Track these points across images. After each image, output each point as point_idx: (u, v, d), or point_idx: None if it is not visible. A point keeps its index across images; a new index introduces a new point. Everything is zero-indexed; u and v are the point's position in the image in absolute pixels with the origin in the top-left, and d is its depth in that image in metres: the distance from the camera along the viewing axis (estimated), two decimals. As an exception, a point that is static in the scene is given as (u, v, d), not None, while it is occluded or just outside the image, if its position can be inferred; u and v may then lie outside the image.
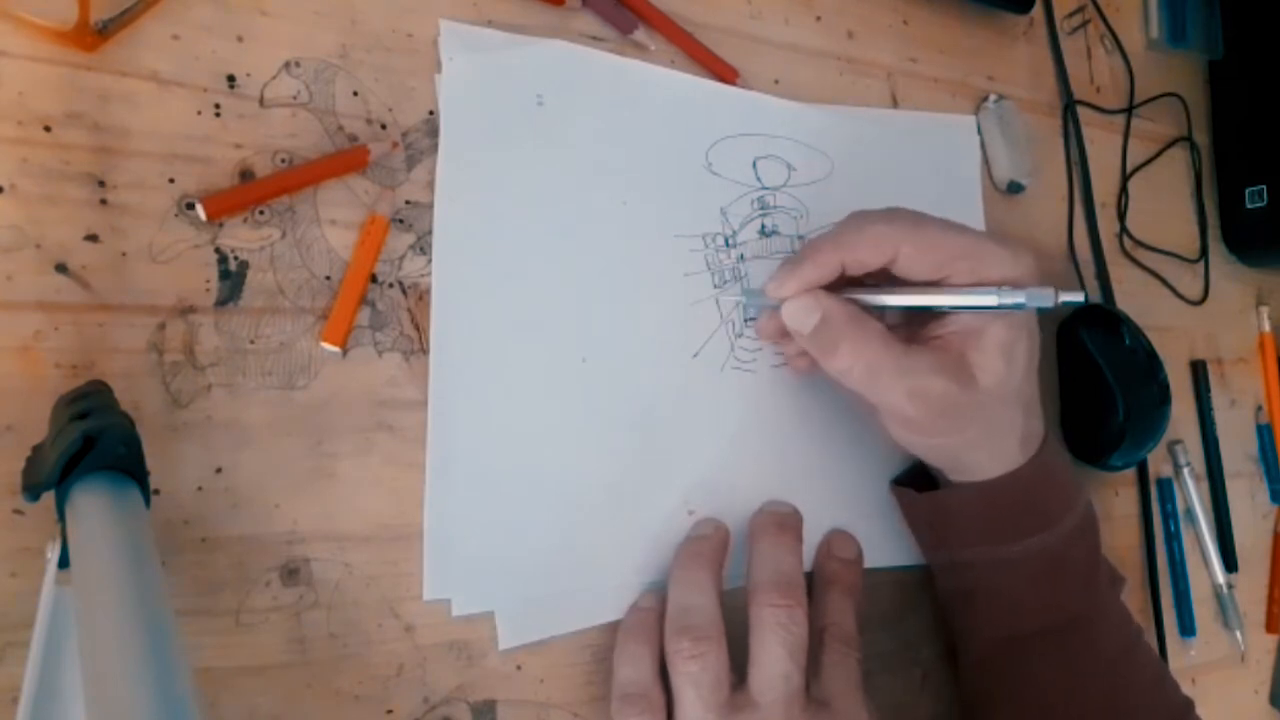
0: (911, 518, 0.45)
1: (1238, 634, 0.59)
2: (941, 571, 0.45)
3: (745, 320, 0.43)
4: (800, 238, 0.45)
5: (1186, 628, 0.57)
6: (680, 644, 0.35)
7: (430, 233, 0.37)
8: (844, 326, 0.38)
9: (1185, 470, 0.59)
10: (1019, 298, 0.36)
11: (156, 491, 0.31)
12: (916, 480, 0.45)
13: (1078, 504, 0.43)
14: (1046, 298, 0.36)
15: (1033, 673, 0.42)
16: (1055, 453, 0.42)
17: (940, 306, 0.38)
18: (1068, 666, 0.42)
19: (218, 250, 0.34)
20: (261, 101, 0.35)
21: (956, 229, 0.39)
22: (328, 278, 0.35)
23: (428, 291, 0.37)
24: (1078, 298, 0.37)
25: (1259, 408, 0.65)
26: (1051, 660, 0.42)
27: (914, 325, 0.41)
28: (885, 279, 0.40)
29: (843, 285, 0.39)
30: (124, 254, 0.32)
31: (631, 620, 0.38)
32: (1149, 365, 0.51)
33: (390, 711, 0.35)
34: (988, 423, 0.39)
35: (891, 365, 0.37)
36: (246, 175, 0.34)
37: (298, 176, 0.35)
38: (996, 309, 0.37)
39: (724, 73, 0.44)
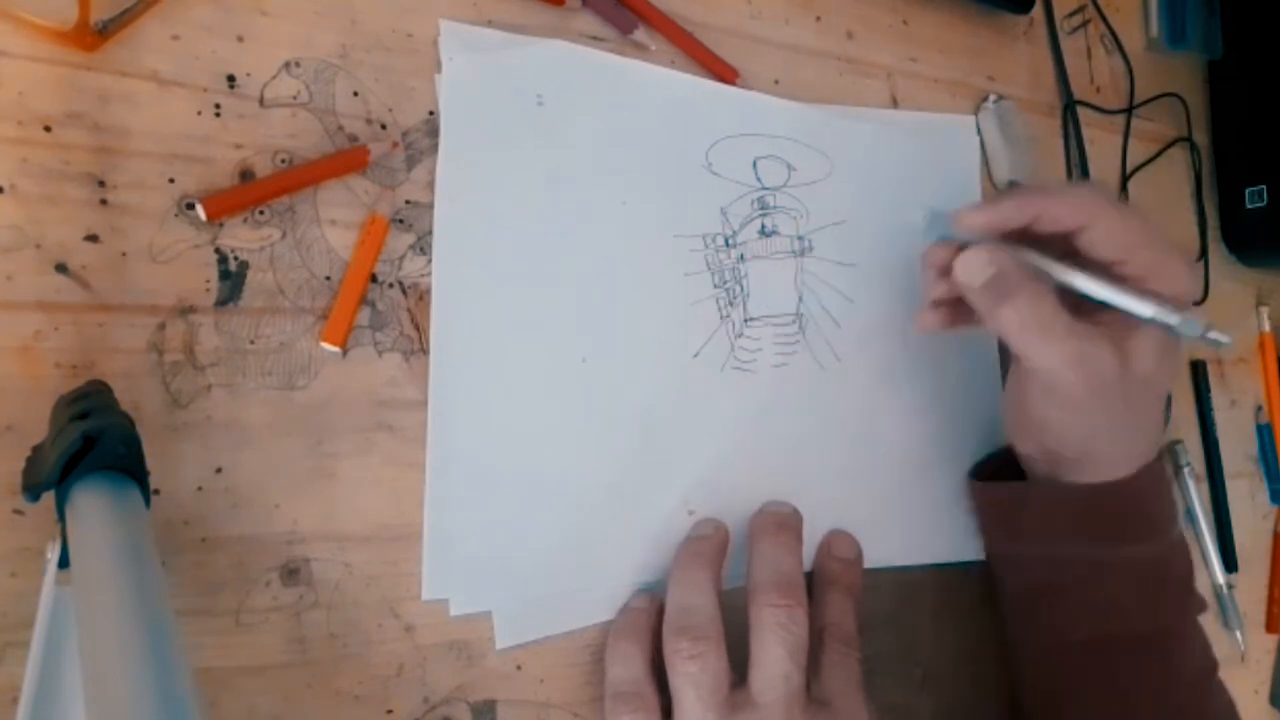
0: (992, 512, 0.44)
1: (1238, 634, 0.59)
2: (1014, 568, 0.44)
3: (927, 240, 0.42)
4: (800, 238, 0.45)
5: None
6: (679, 644, 0.35)
7: (430, 233, 0.37)
8: (1021, 281, 0.38)
9: (1185, 470, 0.59)
10: (1172, 319, 0.37)
11: (156, 491, 0.31)
12: (988, 475, 0.45)
13: (1179, 518, 0.43)
14: (1194, 328, 0.37)
15: (1117, 676, 0.42)
16: (1166, 463, 0.43)
17: (1099, 296, 0.38)
18: (1154, 677, 0.42)
19: (218, 250, 0.34)
20: (261, 101, 0.35)
21: (1148, 222, 0.39)
22: (328, 278, 0.35)
23: (428, 291, 0.37)
24: (1224, 339, 0.38)
25: (1259, 408, 0.65)
26: (1138, 667, 0.42)
27: (1075, 303, 0.40)
28: (1062, 250, 0.40)
29: (1024, 240, 0.39)
30: (124, 254, 0.32)
31: (622, 620, 0.38)
32: (1149, 365, 0.51)
33: (390, 711, 0.35)
34: (1133, 412, 0.39)
35: (1064, 325, 0.37)
36: (246, 175, 0.34)
37: (298, 176, 0.35)
38: (1148, 320, 0.38)
39: (724, 73, 0.44)
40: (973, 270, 0.38)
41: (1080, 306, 0.40)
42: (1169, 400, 0.51)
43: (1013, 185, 0.52)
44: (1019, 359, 0.40)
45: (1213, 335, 0.37)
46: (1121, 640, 0.42)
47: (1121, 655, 0.42)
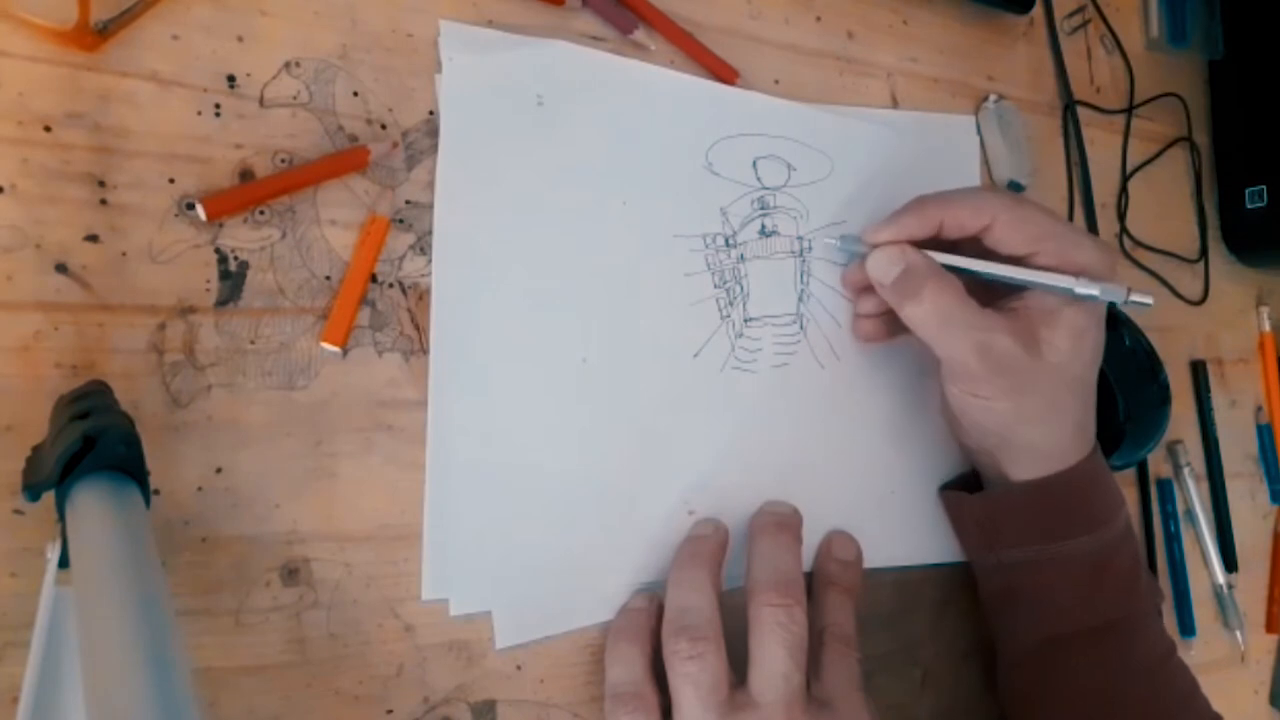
0: (959, 520, 0.45)
1: (1238, 634, 0.59)
2: (985, 573, 0.45)
3: (842, 264, 0.45)
4: (800, 238, 0.45)
5: (1186, 628, 0.57)
6: (678, 644, 0.35)
7: (430, 233, 0.37)
8: (926, 275, 0.40)
9: (1185, 470, 0.59)
10: (1093, 289, 0.39)
11: (156, 491, 0.31)
12: (963, 488, 0.45)
13: (1122, 509, 0.44)
14: (1118, 293, 0.39)
15: (1072, 674, 0.43)
16: (1101, 457, 0.43)
17: (1020, 280, 0.41)
18: (1106, 670, 0.43)
19: (218, 250, 0.34)
20: (261, 101, 0.35)
21: (1050, 213, 0.41)
22: (328, 278, 0.35)
23: (428, 291, 0.37)
24: (1146, 300, 0.40)
25: (1259, 408, 0.65)
26: (1090, 663, 0.43)
27: (992, 296, 0.42)
28: (975, 252, 0.41)
29: (935, 247, 0.41)
30: (124, 254, 0.32)
31: (621, 621, 0.38)
32: (1149, 365, 0.51)
33: (390, 711, 0.35)
34: (1045, 397, 0.40)
35: (965, 316, 0.39)
36: (246, 175, 0.34)
37: (298, 177, 0.35)
38: (1072, 294, 0.40)
39: (724, 73, 0.44)
40: (882, 267, 0.41)
41: (995, 299, 0.42)
42: (1166, 399, 0.51)
43: (1012, 187, 0.52)
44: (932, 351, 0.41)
45: (1135, 298, 0.40)
46: (1072, 640, 0.43)
47: (1073, 654, 0.43)
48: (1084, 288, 0.39)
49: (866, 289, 0.43)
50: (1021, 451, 0.42)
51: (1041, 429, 0.41)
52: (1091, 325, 0.41)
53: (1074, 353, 0.40)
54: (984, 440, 0.43)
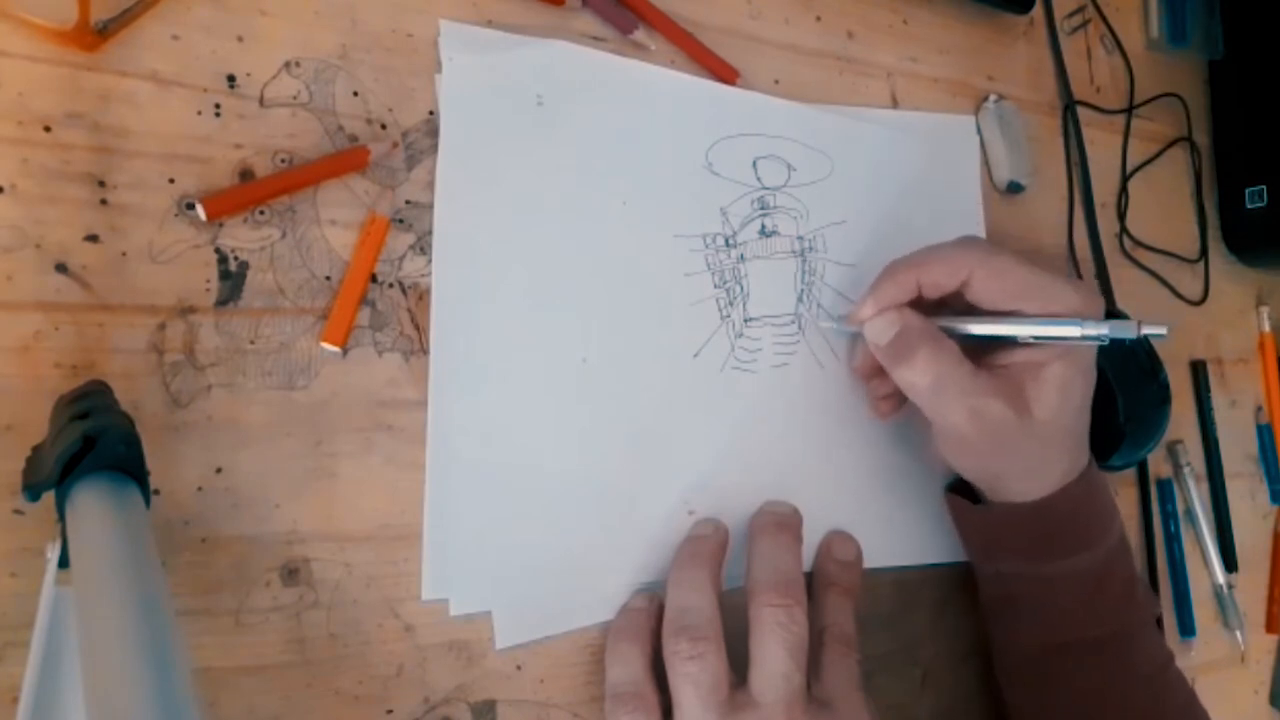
0: (963, 526, 0.45)
1: (1238, 634, 0.59)
2: (985, 579, 0.45)
3: (850, 355, 0.45)
4: (800, 238, 0.45)
5: (1186, 628, 0.57)
6: (678, 644, 0.35)
7: (430, 233, 0.37)
8: (921, 339, 0.39)
9: (1185, 470, 0.59)
10: (1103, 329, 0.37)
11: (156, 491, 0.31)
12: (967, 487, 0.45)
13: (1115, 527, 0.44)
14: (1129, 330, 0.37)
15: (1069, 683, 0.43)
16: (1096, 476, 0.43)
17: (1023, 336, 0.39)
18: (1104, 679, 0.43)
19: (218, 250, 0.34)
20: (261, 101, 0.35)
21: (1028, 263, 0.40)
22: (328, 278, 0.35)
23: (428, 291, 0.37)
24: (1160, 330, 0.37)
25: (1259, 408, 0.65)
26: (1088, 672, 0.43)
27: (980, 354, 0.41)
28: (962, 308, 0.41)
29: (921, 309, 0.41)
30: (124, 254, 0.32)
31: (621, 621, 0.38)
32: (1149, 365, 0.51)
33: (390, 711, 0.35)
34: (1033, 455, 0.40)
35: (958, 382, 0.39)
36: (246, 175, 0.34)
37: (298, 176, 0.35)
38: (1080, 340, 0.38)
39: (724, 73, 0.44)
40: (879, 329, 0.41)
41: (982, 354, 0.41)
42: (1166, 399, 0.51)
43: (1012, 187, 0.52)
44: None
45: (1148, 330, 0.37)
46: (1071, 647, 0.43)
47: (1073, 661, 0.43)
48: (1092, 329, 0.37)
49: (878, 371, 0.42)
50: (1006, 492, 0.42)
51: (1026, 482, 0.41)
52: (1077, 375, 0.40)
53: (1062, 406, 0.40)
54: (972, 479, 0.43)
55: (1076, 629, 0.43)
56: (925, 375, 0.39)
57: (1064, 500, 0.41)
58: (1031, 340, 0.39)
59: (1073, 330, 0.38)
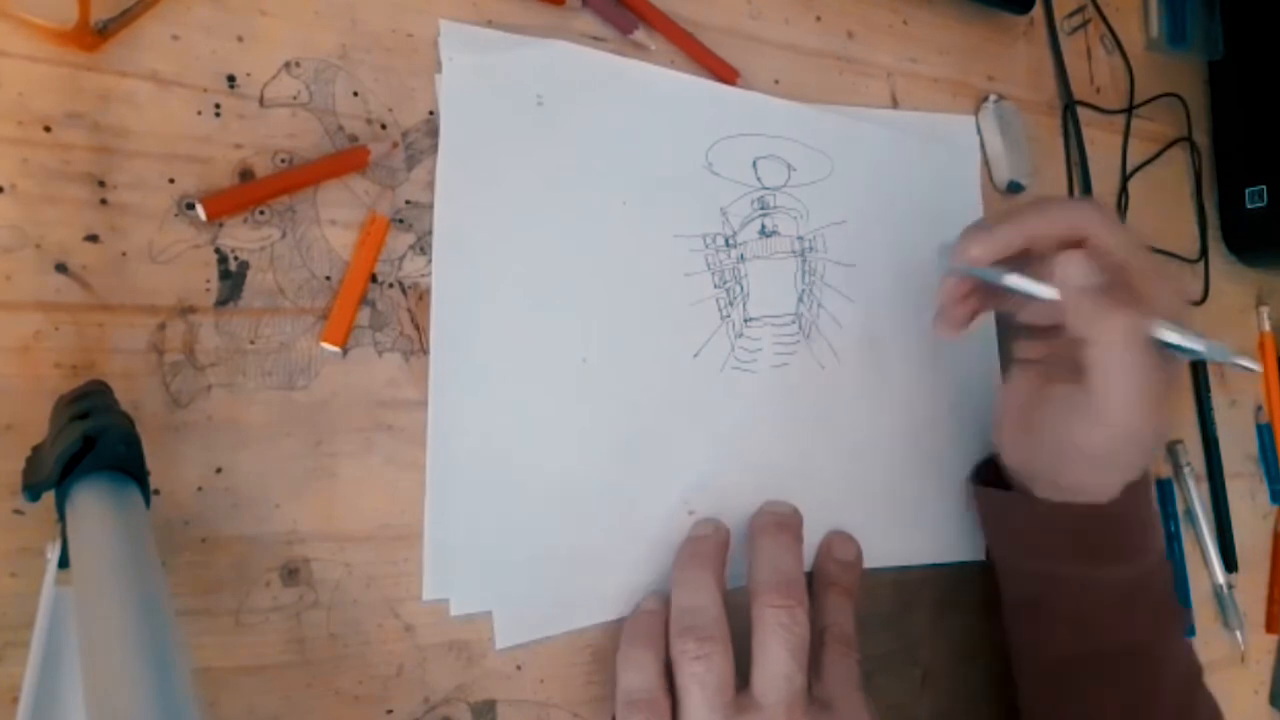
0: (997, 520, 0.44)
1: (1238, 634, 0.59)
2: (1013, 577, 0.44)
3: (941, 273, 0.42)
4: (800, 238, 0.45)
5: (1187, 628, 0.57)
6: (685, 644, 0.35)
7: (430, 233, 0.37)
8: (1123, 294, 0.37)
9: (1185, 470, 0.59)
10: (1198, 345, 0.37)
11: (156, 491, 0.31)
12: (988, 479, 0.44)
13: (1160, 534, 0.43)
14: (1221, 352, 0.37)
15: (1096, 693, 0.42)
16: (1151, 480, 0.43)
17: (1189, 348, 0.37)
18: (1132, 693, 0.42)
19: (218, 250, 0.34)
20: (261, 101, 0.35)
21: (1139, 239, 0.39)
22: (328, 278, 0.35)
23: (428, 291, 0.37)
24: (1255, 368, 0.38)
25: (1259, 408, 0.65)
26: (1117, 684, 0.42)
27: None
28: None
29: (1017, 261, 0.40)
30: (124, 254, 0.32)
31: (636, 625, 0.38)
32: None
33: (390, 711, 0.35)
34: (1146, 454, 0.40)
35: (1150, 345, 0.37)
36: (246, 175, 0.34)
37: (298, 177, 0.35)
38: (1176, 349, 0.37)
39: (724, 73, 0.44)
40: (1081, 269, 0.37)
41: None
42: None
43: (1012, 187, 0.52)
44: (1088, 375, 0.37)
45: (1242, 361, 0.37)
46: (1104, 655, 0.42)
47: (1104, 669, 0.42)
48: (1190, 341, 0.37)
49: (965, 297, 0.41)
50: (1079, 486, 0.40)
51: (1100, 475, 0.40)
52: (1170, 373, 0.39)
53: (1156, 402, 0.38)
54: (1049, 461, 0.41)
55: (1109, 636, 0.42)
56: (1128, 325, 0.36)
57: (1127, 502, 0.40)
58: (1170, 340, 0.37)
59: (1173, 336, 0.37)
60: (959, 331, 0.42)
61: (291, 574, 0.34)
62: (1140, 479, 0.41)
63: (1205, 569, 0.59)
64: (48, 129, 0.32)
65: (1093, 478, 0.40)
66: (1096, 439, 0.38)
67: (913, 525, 0.47)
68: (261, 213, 0.34)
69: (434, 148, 0.38)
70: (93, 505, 0.26)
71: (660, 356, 0.41)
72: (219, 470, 0.33)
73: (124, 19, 0.32)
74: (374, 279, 0.36)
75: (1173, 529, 0.58)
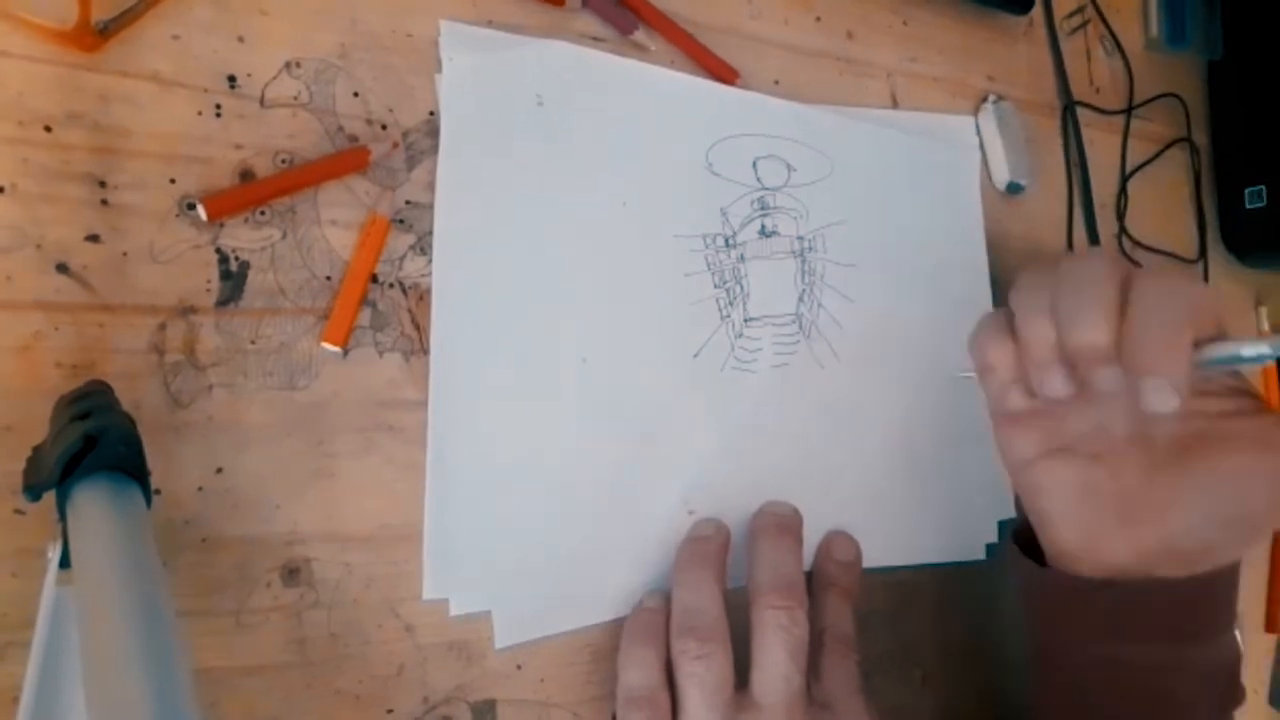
0: (1042, 595, 0.39)
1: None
2: (1064, 657, 0.39)
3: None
4: (800, 238, 0.45)
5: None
6: (686, 644, 0.35)
7: (430, 233, 0.37)
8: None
9: (1185, 470, 0.58)
10: (1262, 347, 0.31)
11: (157, 491, 0.31)
12: (1025, 548, 0.40)
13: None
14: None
15: None
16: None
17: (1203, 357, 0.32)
18: None
19: (218, 250, 0.34)
20: (262, 102, 0.35)
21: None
22: (328, 278, 0.35)
23: (428, 292, 0.37)
24: None
25: (1258, 408, 0.65)
26: None
27: None
28: None
29: None
30: (125, 254, 0.32)
31: (637, 623, 0.38)
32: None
33: (390, 711, 0.35)
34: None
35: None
36: (247, 175, 0.34)
37: (298, 177, 0.35)
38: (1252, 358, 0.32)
39: (724, 73, 0.44)
40: (1168, 396, 0.32)
41: None
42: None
43: (1012, 187, 0.52)
44: (1239, 441, 0.36)
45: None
46: None
47: None
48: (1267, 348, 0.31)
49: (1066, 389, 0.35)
50: (1236, 549, 0.39)
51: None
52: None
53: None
54: (1202, 537, 0.38)
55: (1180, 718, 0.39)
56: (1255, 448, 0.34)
57: (1227, 574, 0.38)
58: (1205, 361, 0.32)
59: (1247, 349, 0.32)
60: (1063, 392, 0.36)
61: (292, 574, 0.34)
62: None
63: (1205, 569, 0.59)
64: (48, 129, 0.32)
65: (1240, 547, 0.38)
66: (1208, 534, 0.36)
67: (913, 525, 0.47)
68: (262, 213, 0.34)
69: (434, 148, 0.38)
70: (94, 505, 0.26)
71: (660, 356, 0.41)
72: (220, 470, 0.33)
73: (124, 19, 0.32)
74: (374, 279, 0.36)
75: (1172, 529, 0.57)
